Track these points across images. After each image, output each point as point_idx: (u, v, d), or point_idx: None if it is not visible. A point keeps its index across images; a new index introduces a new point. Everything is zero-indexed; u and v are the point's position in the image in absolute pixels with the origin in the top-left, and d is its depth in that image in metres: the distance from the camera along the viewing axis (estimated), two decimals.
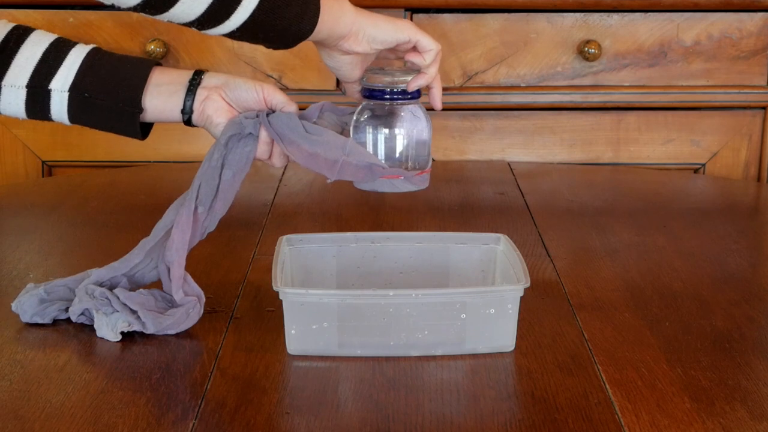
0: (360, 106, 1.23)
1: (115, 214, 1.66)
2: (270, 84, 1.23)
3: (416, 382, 1.10)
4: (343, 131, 1.23)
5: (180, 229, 1.19)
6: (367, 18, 1.19)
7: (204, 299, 1.23)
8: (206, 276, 1.35)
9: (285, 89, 1.95)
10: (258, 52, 1.98)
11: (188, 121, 1.22)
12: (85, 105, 1.20)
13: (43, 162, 2.02)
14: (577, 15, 1.98)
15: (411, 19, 1.96)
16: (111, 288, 1.22)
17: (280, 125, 1.19)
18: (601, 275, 1.40)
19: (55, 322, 1.23)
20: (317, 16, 1.15)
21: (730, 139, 2.03)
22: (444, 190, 1.80)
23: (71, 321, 1.22)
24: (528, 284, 1.15)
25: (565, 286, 1.36)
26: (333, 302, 1.13)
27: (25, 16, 1.93)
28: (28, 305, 1.22)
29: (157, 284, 1.24)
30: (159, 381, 1.09)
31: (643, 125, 2.03)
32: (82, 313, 1.21)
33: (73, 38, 1.23)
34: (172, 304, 1.21)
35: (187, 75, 1.22)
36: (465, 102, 2.01)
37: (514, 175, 1.91)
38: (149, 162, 2.01)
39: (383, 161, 1.21)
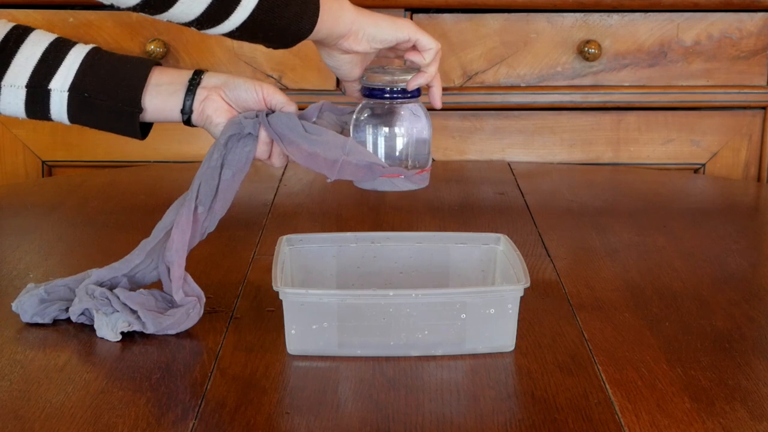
0: (360, 105, 1.23)
1: (115, 214, 1.66)
2: (269, 84, 1.23)
3: (416, 382, 1.10)
4: (343, 131, 1.23)
5: (180, 230, 1.19)
6: (367, 17, 1.19)
7: (204, 299, 1.23)
8: (206, 276, 1.35)
9: (285, 89, 1.95)
10: (258, 52, 1.98)
11: (188, 121, 1.22)
12: (85, 105, 1.20)
13: (43, 162, 2.02)
14: (577, 15, 1.98)
15: (411, 19, 1.96)
16: (111, 288, 1.22)
17: (279, 125, 1.19)
18: (601, 275, 1.40)
19: (55, 322, 1.23)
20: (317, 16, 1.15)
21: (730, 139, 2.03)
22: (444, 190, 1.80)
23: (71, 321, 1.22)
24: (528, 284, 1.15)
25: (565, 286, 1.36)
26: (333, 302, 1.13)
27: (25, 16, 1.93)
28: (29, 305, 1.22)
29: (158, 284, 1.24)
30: (159, 381, 1.09)
31: (643, 125, 2.03)
32: (82, 313, 1.21)
33: (73, 38, 1.23)
34: (172, 304, 1.21)
35: (186, 75, 1.22)
36: (465, 102, 2.01)
37: (514, 175, 1.91)
38: (149, 162, 2.01)
39: (383, 160, 1.21)
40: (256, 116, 1.20)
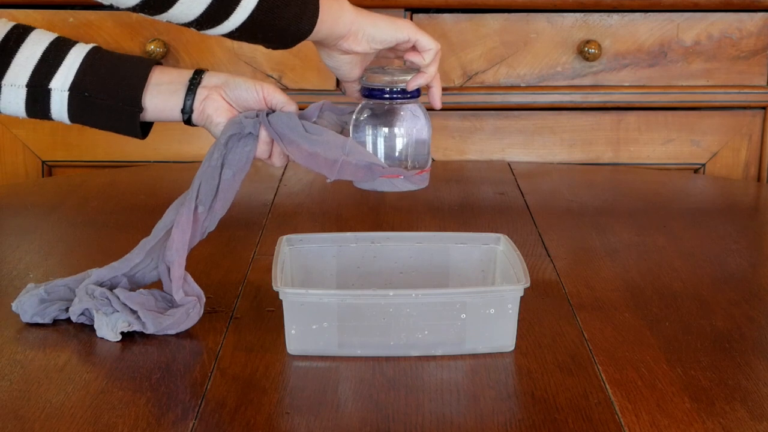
0: (359, 106, 1.23)
1: (115, 214, 1.66)
2: (270, 83, 1.23)
3: (416, 382, 1.10)
4: (343, 131, 1.23)
5: (180, 229, 1.19)
6: (367, 17, 1.19)
7: (204, 299, 1.23)
8: (206, 276, 1.35)
9: (285, 89, 1.95)
10: (258, 52, 1.98)
11: (188, 121, 1.22)
12: (85, 104, 1.20)
13: (43, 162, 2.02)
14: (577, 15, 1.98)
15: (411, 19, 1.96)
16: (111, 288, 1.22)
17: (280, 125, 1.19)
18: (601, 275, 1.40)
19: (55, 322, 1.23)
20: (316, 16, 1.15)
21: (730, 139, 2.03)
22: (444, 190, 1.80)
23: (71, 321, 1.22)
24: (528, 284, 1.15)
25: (565, 286, 1.36)
26: (333, 302, 1.13)
27: (25, 16, 1.93)
28: (29, 305, 1.22)
29: (158, 284, 1.24)
30: (159, 381, 1.09)
31: (643, 125, 2.03)
32: (82, 313, 1.21)
33: (73, 38, 1.23)
34: (172, 304, 1.21)
35: (187, 74, 1.22)
36: (465, 102, 2.01)
37: (514, 175, 1.91)
38: (149, 162, 2.01)
39: (383, 160, 1.21)
40: (257, 116, 1.20)
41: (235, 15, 1.10)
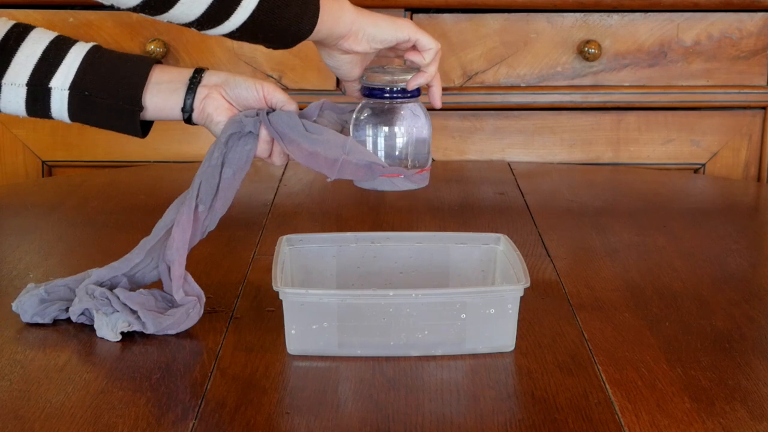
0: (360, 105, 1.23)
1: (115, 214, 1.66)
2: (270, 83, 1.23)
3: (416, 382, 1.10)
4: (343, 130, 1.23)
5: (181, 228, 1.19)
6: (367, 17, 1.19)
7: (204, 299, 1.23)
8: (206, 276, 1.35)
9: (285, 89, 1.94)
10: (258, 52, 1.98)
11: (188, 120, 1.22)
12: (86, 103, 1.20)
13: (43, 162, 2.02)
14: (577, 15, 1.98)
15: (411, 20, 1.96)
16: (111, 288, 1.22)
17: (280, 124, 1.19)
18: (601, 275, 1.40)
19: (55, 322, 1.22)
20: (317, 16, 1.15)
21: (730, 139, 2.03)
22: (444, 190, 1.80)
23: (71, 321, 1.22)
24: (528, 284, 1.15)
25: (565, 286, 1.36)
26: (333, 302, 1.13)
27: (25, 16, 1.93)
28: (29, 305, 1.22)
29: (158, 284, 1.24)
30: (159, 381, 1.09)
31: (643, 125, 2.03)
32: (82, 313, 1.21)
33: (73, 38, 1.23)
34: (172, 304, 1.21)
35: (187, 73, 1.22)
36: (465, 102, 2.01)
37: (514, 175, 1.91)
38: (149, 162, 2.01)
39: (383, 160, 1.21)
40: (257, 115, 1.20)
41: (235, 15, 1.10)
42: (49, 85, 1.20)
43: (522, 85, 2.01)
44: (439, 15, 1.98)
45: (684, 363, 1.14)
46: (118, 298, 1.19)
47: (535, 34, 1.99)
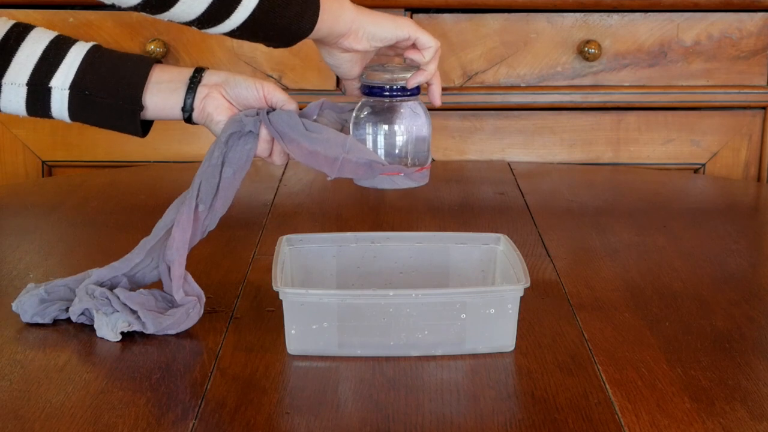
0: (359, 103, 1.23)
1: (115, 214, 1.66)
2: (270, 82, 1.23)
3: (416, 382, 1.10)
4: (343, 128, 1.23)
5: (181, 228, 1.19)
6: (367, 16, 1.19)
7: (204, 299, 1.23)
8: (206, 276, 1.35)
9: (285, 89, 1.94)
10: (258, 51, 1.98)
11: (188, 119, 1.22)
12: (86, 103, 1.20)
13: (43, 162, 2.02)
14: (577, 15, 1.98)
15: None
16: (111, 288, 1.22)
17: (280, 123, 1.19)
18: (601, 275, 1.40)
19: (55, 322, 1.22)
20: (317, 15, 1.15)
21: (730, 139, 2.03)
22: (444, 190, 1.80)
23: (71, 321, 1.22)
24: (528, 284, 1.14)
25: (565, 286, 1.35)
26: (333, 302, 1.13)
27: (25, 15, 1.93)
28: (29, 305, 1.22)
29: (158, 284, 1.24)
30: (159, 381, 1.09)
31: (643, 125, 2.03)
32: (82, 313, 1.21)
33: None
34: (172, 304, 1.21)
35: (187, 72, 1.22)
36: (465, 102, 2.01)
37: (514, 175, 1.91)
38: (149, 162, 2.01)
39: (383, 158, 1.21)
40: (257, 114, 1.20)
41: (236, 14, 1.10)
42: (50, 85, 1.20)
43: (522, 85, 2.01)
44: (439, 15, 1.98)
45: (684, 363, 1.14)
46: (118, 298, 1.19)
47: (535, 34, 1.99)
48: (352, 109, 1.23)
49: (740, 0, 1.96)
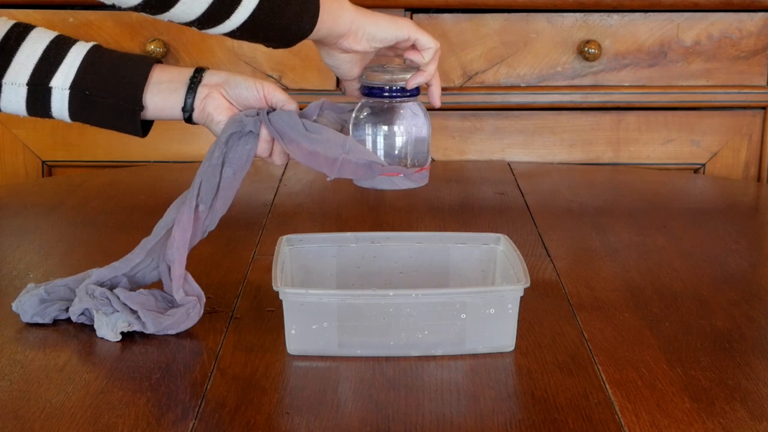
0: (359, 104, 1.23)
1: (115, 214, 1.66)
2: (270, 82, 1.23)
3: (416, 382, 1.10)
4: (343, 129, 1.23)
5: (181, 228, 1.19)
6: (367, 16, 1.19)
7: (204, 299, 1.23)
8: (206, 276, 1.35)
9: (285, 89, 1.94)
10: (258, 52, 1.98)
11: (189, 119, 1.23)
12: (86, 103, 1.20)
13: (43, 162, 2.02)
14: (577, 15, 1.98)
15: (411, 19, 1.96)
16: (111, 288, 1.22)
17: (280, 123, 1.19)
18: (601, 275, 1.40)
19: (55, 322, 1.22)
20: (317, 16, 1.15)
21: (730, 139, 2.03)
22: (444, 190, 1.80)
23: (71, 321, 1.22)
24: (528, 284, 1.14)
25: (565, 286, 1.36)
26: (333, 302, 1.13)
27: (25, 15, 1.93)
28: (29, 305, 1.22)
29: (158, 284, 1.24)
30: (159, 381, 1.09)
31: (643, 125, 2.03)
32: (82, 313, 1.21)
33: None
34: (172, 304, 1.21)
35: (187, 73, 1.22)
36: (465, 102, 2.01)
37: (514, 175, 1.91)
38: (149, 162, 2.01)
39: (383, 159, 1.21)
40: (257, 114, 1.20)
41: (236, 14, 1.10)
42: (50, 85, 1.20)
43: (522, 85, 2.01)
44: (439, 15, 1.98)
45: (684, 363, 1.14)
46: (118, 298, 1.19)
47: (535, 34, 1.99)
48: (352, 110, 1.23)
49: (740, 0, 1.96)
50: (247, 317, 1.25)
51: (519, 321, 1.16)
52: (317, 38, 1.18)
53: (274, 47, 1.18)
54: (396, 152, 1.22)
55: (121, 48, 1.93)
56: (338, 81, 1.97)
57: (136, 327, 1.18)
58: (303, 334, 1.14)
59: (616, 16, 1.98)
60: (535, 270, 1.40)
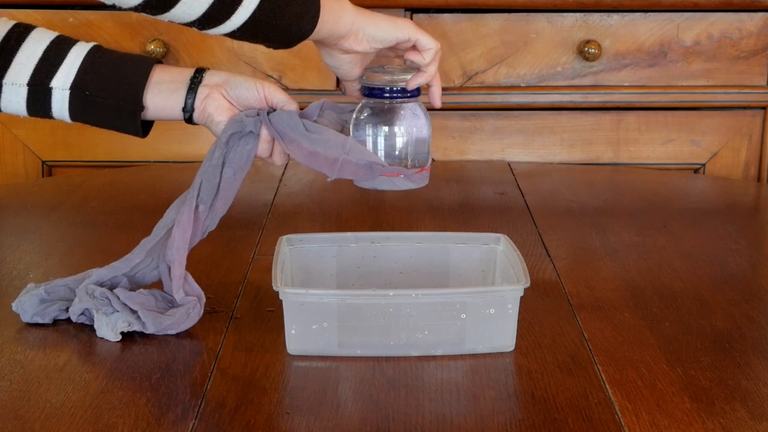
0: (360, 105, 1.23)
1: (115, 214, 1.66)
2: (271, 82, 1.23)
3: (416, 382, 1.10)
4: (343, 129, 1.23)
5: (181, 228, 1.19)
6: (367, 17, 1.19)
7: (204, 299, 1.23)
8: (206, 276, 1.35)
9: (285, 89, 1.94)
10: (258, 52, 1.98)
11: (189, 119, 1.23)
12: (86, 103, 1.20)
13: (43, 162, 2.02)
14: (577, 15, 1.98)
15: (411, 19, 1.96)
16: (111, 288, 1.22)
17: (280, 124, 1.19)
18: (601, 275, 1.40)
19: (55, 322, 1.22)
20: (317, 16, 1.15)
21: (730, 139, 2.03)
22: (444, 190, 1.80)
23: (71, 321, 1.22)
24: (528, 284, 1.15)
25: (565, 286, 1.36)
26: (333, 302, 1.13)
27: (25, 16, 1.93)
28: (29, 305, 1.22)
29: (158, 284, 1.24)
30: (159, 381, 1.09)
31: (643, 125, 2.03)
32: (82, 313, 1.21)
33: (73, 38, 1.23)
34: (172, 304, 1.21)
35: (188, 73, 1.22)
36: (465, 102, 2.01)
37: (514, 175, 1.91)
38: (149, 162, 2.01)
39: (383, 159, 1.21)
40: (258, 114, 1.20)
41: (236, 15, 1.10)
42: (50, 85, 1.20)
43: (522, 85, 2.01)
44: (439, 15, 1.98)
45: (684, 363, 1.14)
46: (118, 298, 1.19)
47: (535, 34, 1.99)
48: (353, 110, 1.23)
49: (740, 0, 1.96)
50: (247, 317, 1.25)
51: (519, 321, 1.16)
52: (318, 39, 1.18)
53: (275, 48, 1.18)
54: (396, 153, 1.22)
55: (121, 48, 1.93)
56: (338, 81, 1.97)
57: (136, 327, 1.18)
58: (303, 334, 1.14)
59: (616, 16, 1.98)
60: (535, 270, 1.40)
